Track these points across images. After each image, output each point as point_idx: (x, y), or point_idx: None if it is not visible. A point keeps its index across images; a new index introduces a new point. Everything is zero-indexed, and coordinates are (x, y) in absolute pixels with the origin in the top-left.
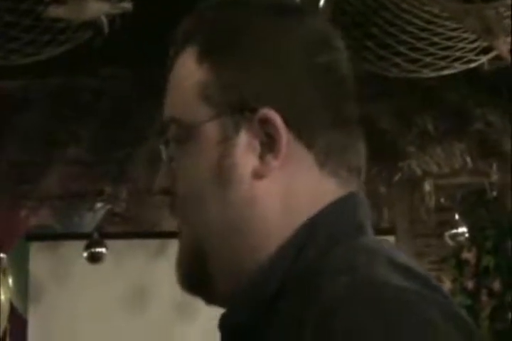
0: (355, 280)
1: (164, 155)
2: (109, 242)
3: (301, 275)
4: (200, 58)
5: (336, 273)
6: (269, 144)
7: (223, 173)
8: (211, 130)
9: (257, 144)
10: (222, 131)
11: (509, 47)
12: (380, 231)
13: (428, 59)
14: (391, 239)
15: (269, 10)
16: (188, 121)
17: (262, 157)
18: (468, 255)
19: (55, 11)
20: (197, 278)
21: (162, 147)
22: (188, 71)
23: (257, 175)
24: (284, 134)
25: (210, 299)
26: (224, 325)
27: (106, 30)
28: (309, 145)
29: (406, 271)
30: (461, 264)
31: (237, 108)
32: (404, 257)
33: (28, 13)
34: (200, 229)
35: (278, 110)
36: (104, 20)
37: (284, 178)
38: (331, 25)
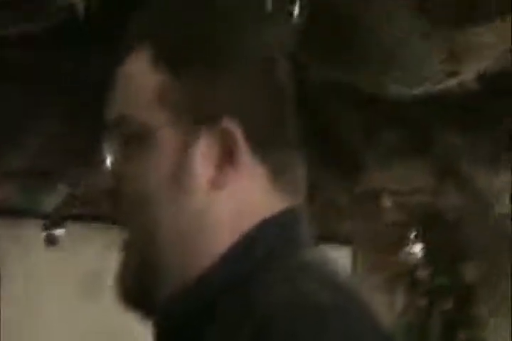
0: (288, 292)
1: (109, 153)
2: (68, 227)
3: (237, 284)
4: (155, 58)
5: (270, 284)
6: (227, 155)
7: (179, 180)
8: (169, 135)
9: (215, 154)
10: (181, 137)
11: (475, 74)
12: (337, 241)
13: (397, 75)
14: (348, 250)
15: (232, 14)
16: (143, 122)
17: (219, 167)
18: (421, 273)
19: None
20: (144, 290)
21: (107, 145)
22: (142, 69)
23: (213, 185)
24: (243, 147)
25: (151, 312)
26: (160, 325)
27: (82, 11)
28: (263, 160)
29: (333, 287)
30: (414, 282)
31: (198, 116)
32: (334, 271)
33: None
34: (147, 235)
35: (238, 122)
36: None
37: (238, 190)
38: (288, 42)
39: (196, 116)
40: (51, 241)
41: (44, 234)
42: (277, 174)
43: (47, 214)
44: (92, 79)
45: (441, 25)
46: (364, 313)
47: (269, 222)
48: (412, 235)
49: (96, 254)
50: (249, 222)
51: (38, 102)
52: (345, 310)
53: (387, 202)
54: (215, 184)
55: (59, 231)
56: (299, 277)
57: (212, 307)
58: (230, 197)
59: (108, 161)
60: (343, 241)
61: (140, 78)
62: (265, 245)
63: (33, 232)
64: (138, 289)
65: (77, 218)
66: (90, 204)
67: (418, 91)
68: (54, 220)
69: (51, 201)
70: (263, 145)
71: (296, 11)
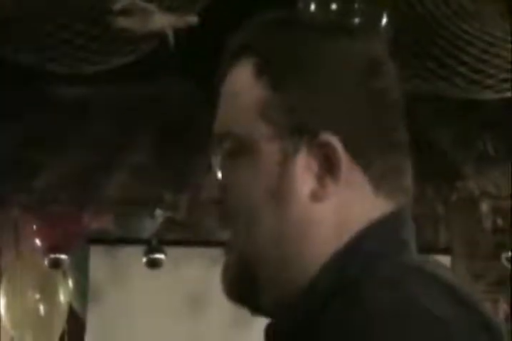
0: (395, 298)
1: (216, 166)
2: (168, 249)
3: (345, 287)
4: (258, 71)
5: (378, 287)
6: (327, 167)
7: (280, 192)
8: (270, 148)
9: (315, 166)
10: (282, 150)
11: None
12: (436, 251)
13: (489, 81)
14: (447, 259)
15: (330, 31)
16: (247, 137)
17: (320, 179)
18: None
19: (123, 22)
20: (246, 288)
21: (215, 158)
22: (245, 84)
23: (315, 197)
24: (343, 158)
25: (256, 308)
26: (270, 333)
27: (171, 42)
28: (365, 169)
29: (448, 292)
30: None
31: (298, 130)
32: (449, 276)
33: (96, 22)
34: (251, 242)
35: (337, 134)
36: (170, 32)
37: (340, 201)
38: (385, 49)
39: (296, 129)
40: (153, 264)
41: (145, 259)
42: (380, 181)
43: (146, 240)
44: (177, 108)
45: None
46: (468, 320)
47: (374, 226)
48: None
49: (197, 277)
50: (352, 229)
51: (127, 133)
52: (447, 319)
53: (485, 207)
54: (316, 196)
55: (159, 256)
56: (406, 280)
57: (323, 313)
58: (332, 208)
59: (215, 174)
60: (442, 250)
61: (243, 92)
62: (371, 249)
63: (133, 259)
64: (240, 287)
65: (178, 243)
66: (190, 228)
67: (510, 95)
68: (154, 246)
69: (148, 227)
70: (364, 155)
71: (384, 20)
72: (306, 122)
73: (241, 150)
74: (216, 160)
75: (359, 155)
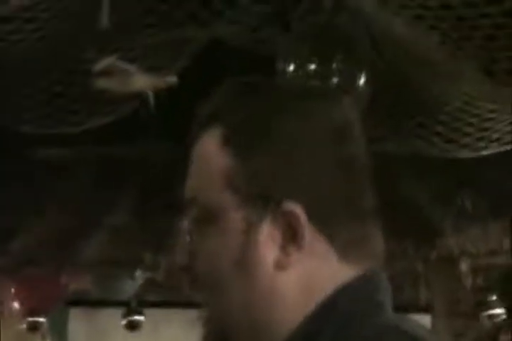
0: None
1: (183, 233)
2: (147, 311)
3: None
4: (224, 141)
5: None
6: (291, 236)
7: (245, 261)
8: (235, 217)
9: (279, 235)
10: (246, 219)
11: None
12: (416, 309)
13: (466, 139)
14: (427, 317)
15: (297, 97)
16: (212, 205)
17: (283, 248)
18: (505, 337)
19: (103, 83)
20: None
21: (183, 223)
22: (212, 153)
23: (278, 266)
24: (307, 227)
25: None
26: None
27: (151, 102)
28: (330, 238)
29: None
30: None
31: (261, 199)
32: (426, 334)
33: (75, 84)
34: (222, 308)
35: (302, 203)
36: (150, 93)
37: (305, 269)
38: (356, 111)
39: (259, 198)
40: (133, 326)
41: (124, 321)
42: (346, 250)
43: (126, 302)
44: (157, 168)
45: (508, 87)
46: None
47: (345, 289)
48: (493, 298)
49: (176, 338)
50: (318, 296)
51: (106, 194)
52: None
53: (464, 266)
54: (280, 265)
55: (139, 318)
56: (382, 340)
57: None
58: (296, 276)
59: (183, 240)
60: (422, 309)
61: (209, 161)
62: (344, 310)
63: (112, 321)
64: None
65: (157, 304)
66: (169, 289)
67: (488, 152)
68: (133, 307)
69: (127, 288)
70: (328, 224)
71: (362, 80)
72: (270, 191)
73: (207, 218)
74: (184, 225)
75: (323, 225)
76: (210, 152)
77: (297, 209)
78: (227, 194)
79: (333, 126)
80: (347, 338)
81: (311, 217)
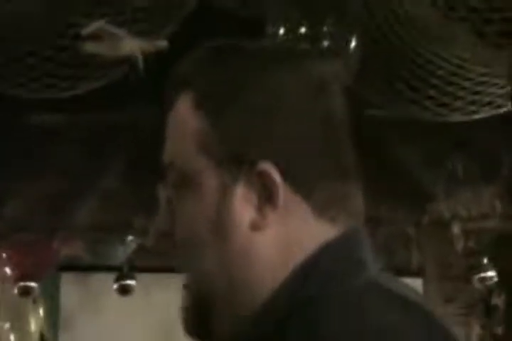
0: (353, 319)
1: (163, 198)
2: (139, 275)
3: (300, 308)
4: (196, 105)
5: (334, 310)
6: (266, 196)
7: (221, 224)
8: (209, 179)
9: (254, 196)
10: (220, 181)
11: None
12: (408, 273)
13: (458, 103)
14: (419, 281)
15: (268, 57)
16: (187, 168)
17: (259, 209)
18: (497, 300)
19: (91, 47)
20: (202, 322)
21: (161, 190)
22: (185, 118)
23: (254, 227)
24: (282, 187)
25: None
26: None
27: (141, 67)
28: (307, 197)
29: (403, 305)
30: (490, 310)
31: (235, 160)
32: (404, 289)
33: (65, 48)
34: (200, 270)
35: (276, 163)
36: (140, 57)
37: (281, 230)
38: (334, 69)
39: (233, 159)
40: (124, 290)
41: (116, 285)
42: (323, 208)
43: (117, 267)
44: (147, 133)
45: (501, 50)
46: (435, 338)
47: (325, 247)
48: (484, 261)
49: (168, 302)
50: (301, 253)
51: (97, 160)
52: (410, 336)
53: (456, 229)
54: (256, 225)
55: (130, 282)
56: (365, 300)
57: (278, 335)
58: (273, 236)
59: (164, 205)
60: (414, 273)
61: (183, 125)
62: (325, 268)
63: (104, 286)
64: (197, 324)
65: (148, 269)
66: (160, 254)
67: (479, 116)
68: (125, 272)
69: (119, 254)
70: (305, 183)
71: (353, 43)
72: (244, 152)
73: (184, 182)
74: (164, 190)
75: (299, 184)
76: (184, 116)
77: (271, 170)
78: (201, 157)
79: (309, 82)
80: (325, 298)
81: (287, 176)
